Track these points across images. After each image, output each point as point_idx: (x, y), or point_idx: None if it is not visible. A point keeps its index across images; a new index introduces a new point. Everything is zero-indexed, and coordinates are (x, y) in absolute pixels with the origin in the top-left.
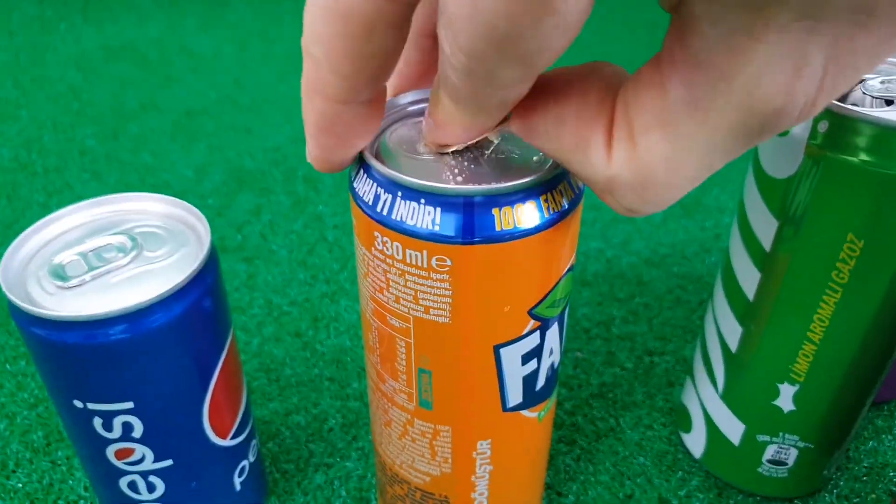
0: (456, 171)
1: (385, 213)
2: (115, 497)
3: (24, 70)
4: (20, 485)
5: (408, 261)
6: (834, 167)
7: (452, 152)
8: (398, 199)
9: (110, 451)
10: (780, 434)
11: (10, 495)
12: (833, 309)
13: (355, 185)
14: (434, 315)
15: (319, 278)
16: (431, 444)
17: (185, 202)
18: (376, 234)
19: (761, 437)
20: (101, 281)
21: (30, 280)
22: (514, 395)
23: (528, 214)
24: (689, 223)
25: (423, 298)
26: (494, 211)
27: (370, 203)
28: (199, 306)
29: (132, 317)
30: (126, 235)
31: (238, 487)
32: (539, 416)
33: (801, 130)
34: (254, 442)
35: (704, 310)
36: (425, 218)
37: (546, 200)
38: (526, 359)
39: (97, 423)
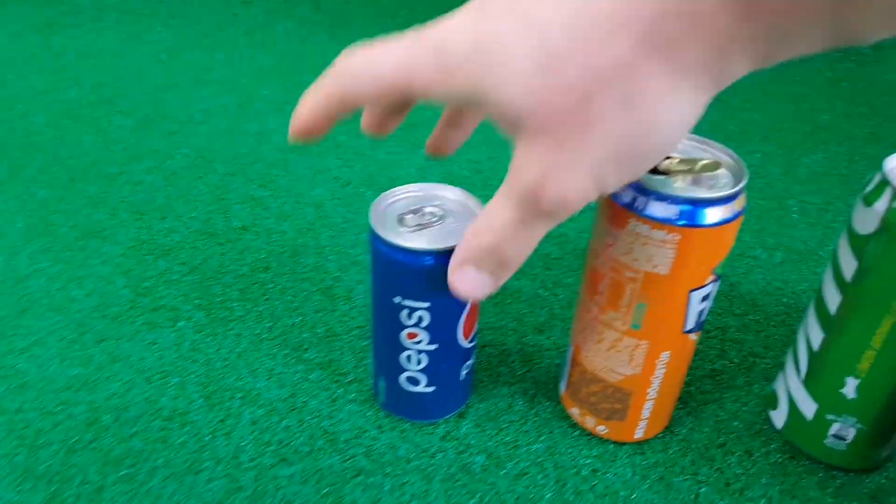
0: (680, 182)
1: (641, 208)
2: (394, 366)
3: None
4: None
5: (652, 236)
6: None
7: (672, 173)
8: (651, 199)
9: (403, 334)
10: (843, 415)
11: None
12: (890, 326)
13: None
14: (658, 269)
15: None
16: (632, 354)
17: (468, 191)
18: (630, 219)
19: (829, 416)
20: (423, 231)
21: (386, 222)
22: (690, 323)
23: (722, 213)
24: (804, 267)
25: (654, 259)
26: (707, 210)
27: (627, 202)
28: None
29: (438, 253)
30: (437, 207)
31: (462, 377)
32: (696, 340)
33: (882, 203)
34: (476, 348)
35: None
36: (668, 211)
37: (730, 207)
38: (702, 300)
39: (403, 313)
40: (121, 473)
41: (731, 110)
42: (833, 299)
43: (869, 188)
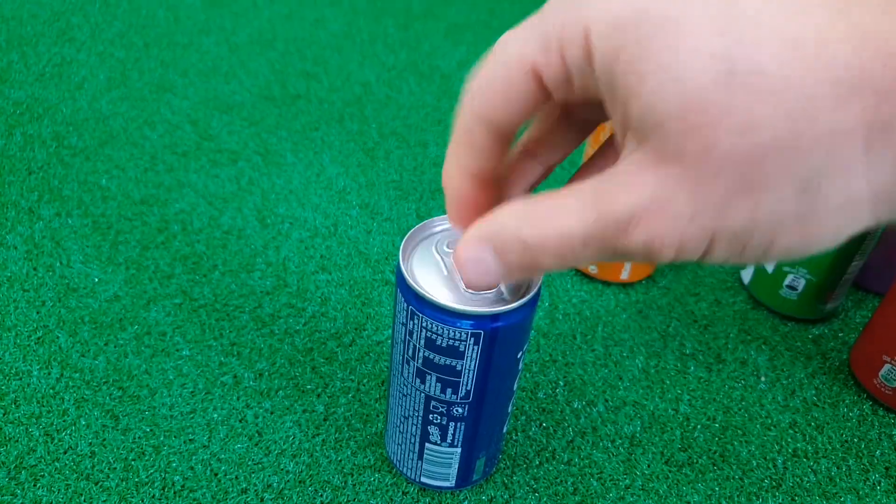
0: None
1: None
2: (499, 433)
3: None
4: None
5: None
6: None
7: None
8: None
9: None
10: (797, 267)
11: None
12: None
13: None
14: None
15: None
16: None
17: None
18: None
19: (785, 268)
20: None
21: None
22: None
23: None
24: None
25: None
26: None
27: None
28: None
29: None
30: None
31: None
32: None
33: None
34: None
35: None
36: None
37: None
38: None
39: (517, 370)
40: (187, 267)
41: None
42: None
43: None
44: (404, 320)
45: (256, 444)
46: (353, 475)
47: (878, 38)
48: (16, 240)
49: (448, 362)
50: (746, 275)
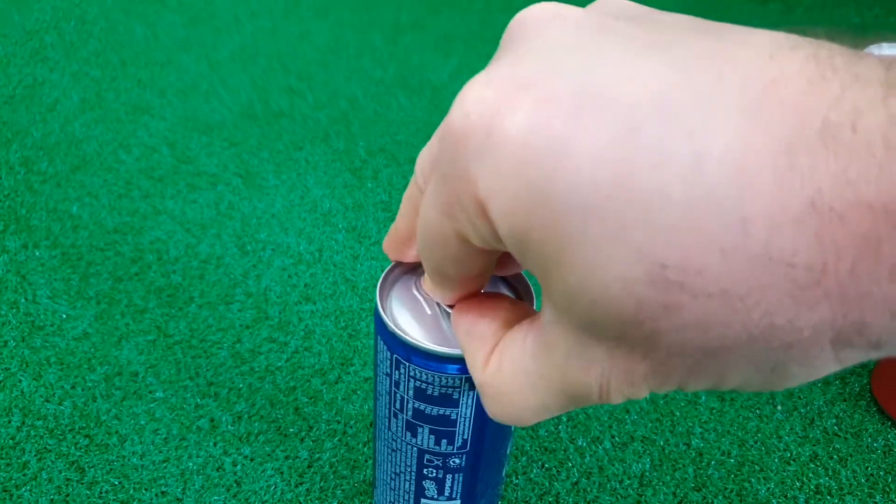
0: None
1: None
2: (498, 479)
3: None
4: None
5: None
6: None
7: None
8: None
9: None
10: None
11: None
12: None
13: None
14: None
15: None
16: None
17: None
18: None
19: None
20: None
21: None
22: None
23: None
24: None
25: None
26: None
27: None
28: None
29: None
30: None
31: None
32: None
33: None
34: None
35: None
36: None
37: None
38: None
39: None
40: (162, 300)
41: None
42: None
43: None
44: (388, 370)
45: (235, 496)
46: None
47: (843, 212)
48: None
49: (441, 412)
50: None
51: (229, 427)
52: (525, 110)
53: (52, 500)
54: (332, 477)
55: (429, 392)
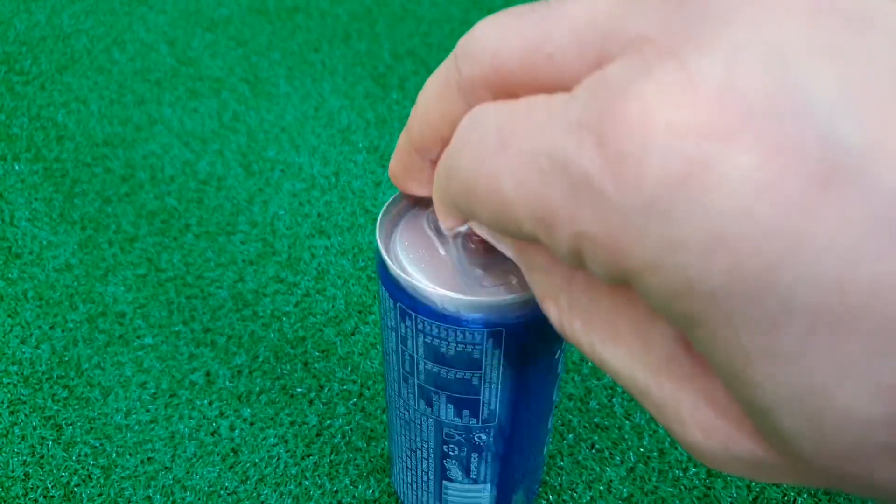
0: None
1: None
2: (539, 462)
3: None
4: None
5: None
6: None
7: None
8: None
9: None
10: None
11: None
12: None
13: None
14: None
15: None
16: None
17: None
18: None
19: None
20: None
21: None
22: None
23: None
24: None
25: None
26: None
27: None
28: None
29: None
30: None
31: None
32: None
33: None
34: None
35: None
36: None
37: None
38: None
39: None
40: (154, 226)
41: None
42: None
43: None
44: (393, 323)
45: (231, 468)
46: None
47: None
48: None
49: (460, 376)
50: None
51: (227, 383)
52: (751, 162)
53: (24, 461)
54: (344, 449)
55: (442, 350)
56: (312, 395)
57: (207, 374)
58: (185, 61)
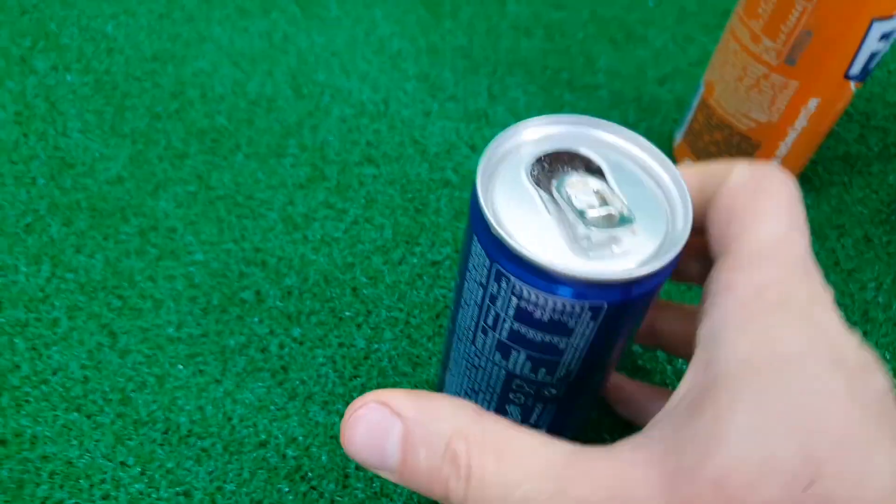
0: None
1: None
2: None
3: None
4: None
5: None
6: None
7: None
8: None
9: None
10: None
11: None
12: None
13: None
14: None
15: None
16: (775, 96)
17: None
18: None
19: None
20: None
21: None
22: (857, 66)
23: None
24: None
25: None
26: None
27: None
28: None
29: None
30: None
31: None
32: (853, 92)
33: None
34: None
35: None
36: None
37: None
38: (881, 37)
39: None
40: (204, 145)
41: None
42: None
43: None
44: (483, 280)
45: (280, 384)
46: None
47: None
48: (4, 97)
49: (548, 339)
50: None
51: (277, 303)
52: None
53: (83, 365)
54: (390, 372)
55: (536, 316)
56: (360, 319)
57: (258, 292)
58: None
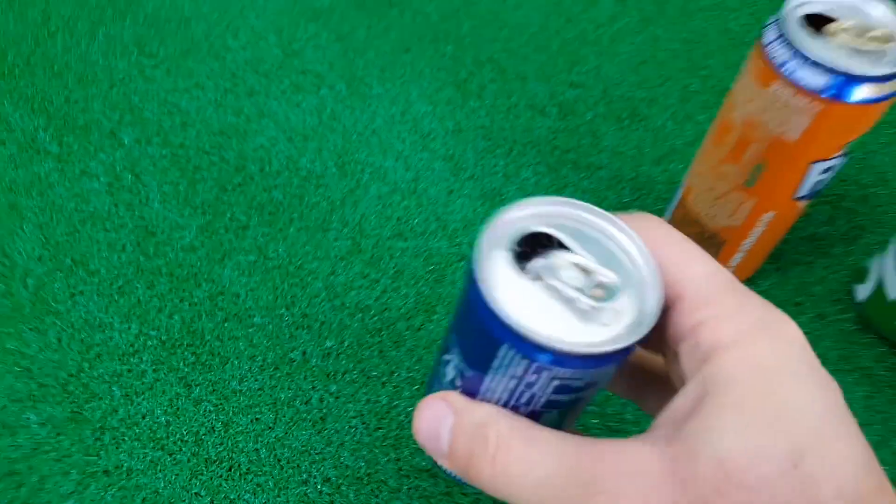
0: (841, 50)
1: (790, 71)
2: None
3: None
4: None
5: (792, 102)
6: None
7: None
8: (803, 64)
9: None
10: None
11: None
12: None
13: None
14: (786, 136)
15: None
16: (736, 207)
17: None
18: (776, 82)
19: None
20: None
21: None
22: (803, 190)
23: (873, 91)
24: None
25: (786, 124)
26: (858, 87)
27: (780, 62)
28: None
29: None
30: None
31: None
32: (804, 207)
33: None
34: None
35: None
36: (816, 80)
37: (884, 86)
38: (823, 171)
39: None
40: (263, 218)
41: None
42: None
43: None
44: (519, 374)
45: (319, 432)
46: (409, 477)
47: None
48: (98, 168)
49: (580, 395)
50: (862, 291)
51: (319, 362)
52: None
53: (165, 411)
54: (407, 425)
55: (573, 386)
56: (385, 378)
57: (304, 353)
58: (290, 53)
